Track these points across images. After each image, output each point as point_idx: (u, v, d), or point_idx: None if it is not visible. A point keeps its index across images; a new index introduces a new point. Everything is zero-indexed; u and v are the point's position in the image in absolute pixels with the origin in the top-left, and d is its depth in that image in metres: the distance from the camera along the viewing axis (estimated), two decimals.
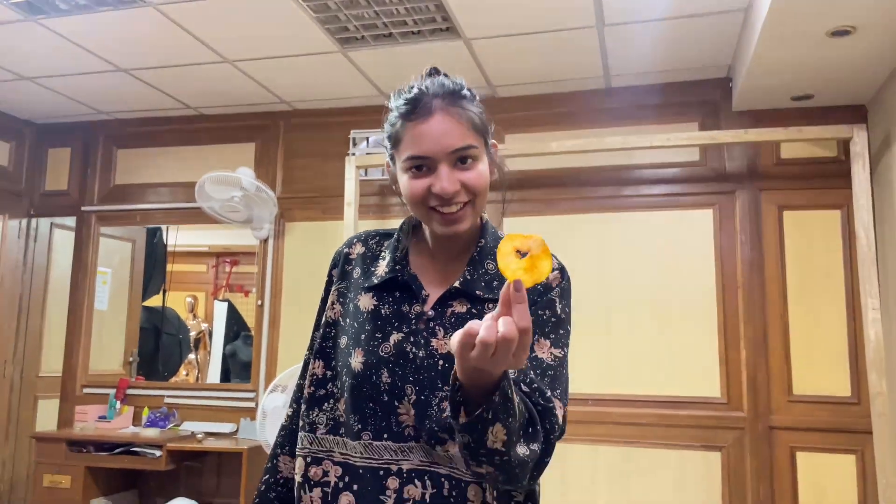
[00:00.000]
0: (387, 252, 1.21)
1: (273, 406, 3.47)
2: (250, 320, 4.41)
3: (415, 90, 1.14)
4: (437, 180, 1.09)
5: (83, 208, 4.51)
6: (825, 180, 3.51)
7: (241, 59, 3.60)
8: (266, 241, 4.23)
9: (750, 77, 3.22)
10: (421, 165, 1.10)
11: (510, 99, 3.98)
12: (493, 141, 1.20)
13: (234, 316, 4.99)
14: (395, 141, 1.15)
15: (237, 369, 4.67)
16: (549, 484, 3.63)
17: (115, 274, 4.66)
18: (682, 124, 3.72)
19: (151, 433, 3.94)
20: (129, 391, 4.30)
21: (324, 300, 1.26)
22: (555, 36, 3.28)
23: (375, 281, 1.18)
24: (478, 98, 1.18)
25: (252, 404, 4.06)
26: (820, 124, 3.38)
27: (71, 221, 4.55)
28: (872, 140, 3.37)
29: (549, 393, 1.03)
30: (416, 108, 1.12)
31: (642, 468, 3.54)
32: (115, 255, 4.68)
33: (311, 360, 1.22)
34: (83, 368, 4.40)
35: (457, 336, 0.84)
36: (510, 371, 0.96)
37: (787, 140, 3.38)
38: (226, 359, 4.84)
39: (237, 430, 4.03)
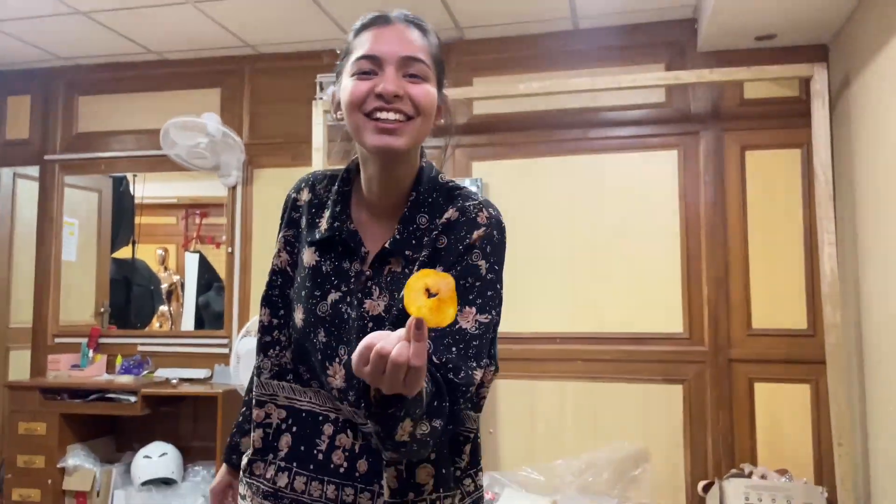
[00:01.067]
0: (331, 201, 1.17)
1: (246, 350, 3.51)
2: (222, 272, 4.41)
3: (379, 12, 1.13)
4: (382, 80, 1.05)
5: (46, 157, 4.43)
6: (787, 120, 3.57)
7: (203, 0, 3.53)
8: (234, 188, 4.21)
9: (714, 17, 3.24)
10: (368, 70, 1.07)
11: (478, 41, 3.96)
12: (445, 93, 1.16)
13: (205, 267, 4.92)
14: (348, 52, 1.12)
15: (210, 320, 4.64)
16: (519, 419, 3.74)
17: (82, 225, 4.58)
18: (649, 66, 3.74)
19: (125, 380, 3.96)
20: (102, 340, 4.30)
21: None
22: None
23: (317, 236, 1.14)
24: (440, 43, 1.16)
25: (226, 350, 4.09)
26: (782, 64, 3.42)
27: (34, 171, 4.46)
28: (833, 79, 3.43)
29: (462, 371, 0.99)
30: (376, 20, 1.11)
31: (607, 402, 3.65)
32: (82, 205, 4.60)
33: (260, 307, 1.22)
34: (54, 319, 4.38)
35: (358, 347, 0.83)
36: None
37: (750, 79, 3.42)
38: (199, 310, 4.81)
39: (212, 376, 4.06)
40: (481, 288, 1.05)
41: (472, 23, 3.78)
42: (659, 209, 3.68)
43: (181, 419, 4.11)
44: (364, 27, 1.11)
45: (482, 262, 1.06)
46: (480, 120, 3.94)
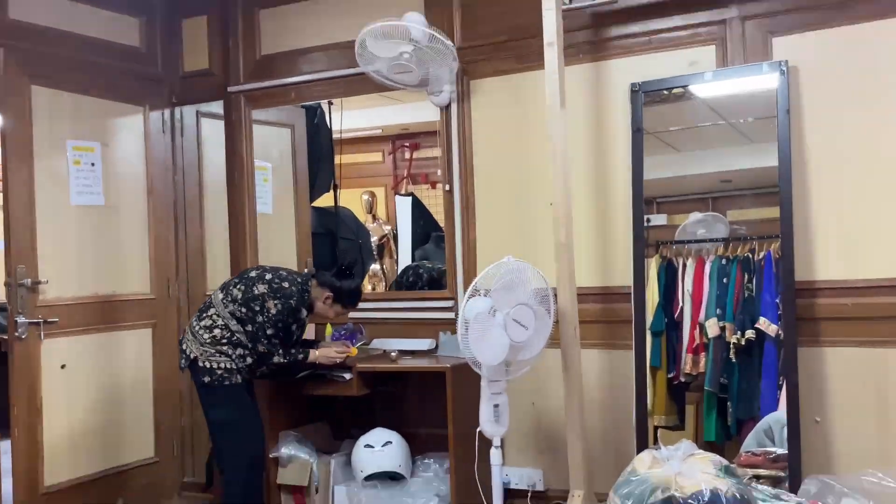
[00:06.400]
0: None
1: (475, 313, 2.85)
2: (440, 217, 3.94)
3: None
4: None
5: (229, 89, 4.08)
6: None
7: None
8: (448, 107, 3.65)
9: None
10: None
11: None
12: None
13: (421, 213, 4.54)
14: None
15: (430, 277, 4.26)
16: (859, 402, 3.02)
17: (276, 170, 4.22)
18: None
19: None
20: None
21: None
22: None
23: None
24: None
25: (451, 314, 3.51)
26: None
27: (218, 107, 4.12)
28: None
29: None
30: None
31: None
32: (274, 146, 4.24)
33: None
34: None
35: None
36: None
37: None
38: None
39: (437, 347, 3.54)
40: None
41: None
42: None
43: (405, 401, 3.66)
44: None
45: None
46: None
